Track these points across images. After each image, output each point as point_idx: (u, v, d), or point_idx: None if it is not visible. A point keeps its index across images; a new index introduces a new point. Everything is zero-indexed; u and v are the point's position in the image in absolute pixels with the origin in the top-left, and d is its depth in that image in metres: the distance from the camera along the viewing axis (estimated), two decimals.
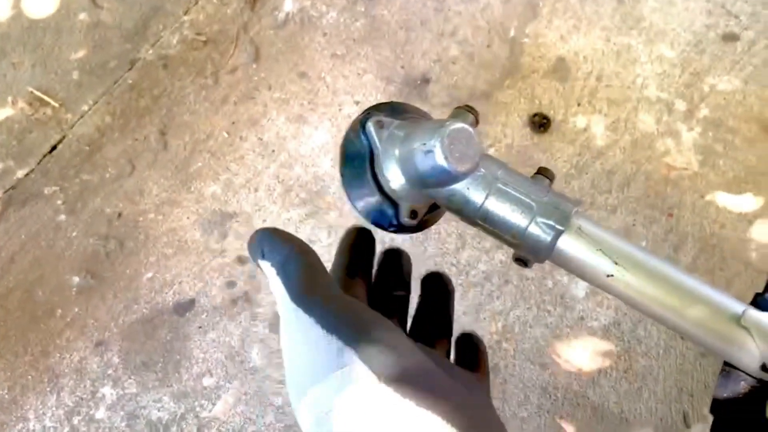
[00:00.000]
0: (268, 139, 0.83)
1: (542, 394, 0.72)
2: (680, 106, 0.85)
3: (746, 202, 0.80)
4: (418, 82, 0.86)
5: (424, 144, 0.52)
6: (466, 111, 0.59)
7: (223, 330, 0.73)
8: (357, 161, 0.57)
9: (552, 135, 0.84)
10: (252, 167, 0.81)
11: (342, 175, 0.60)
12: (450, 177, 0.51)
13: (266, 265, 0.32)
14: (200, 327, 0.73)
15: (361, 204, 0.59)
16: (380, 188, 0.56)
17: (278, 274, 0.31)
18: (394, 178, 0.56)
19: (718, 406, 0.51)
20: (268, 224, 0.78)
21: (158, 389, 0.70)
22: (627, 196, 0.80)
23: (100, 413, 0.69)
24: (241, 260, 0.76)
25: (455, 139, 0.52)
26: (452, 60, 0.87)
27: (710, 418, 0.41)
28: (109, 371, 0.71)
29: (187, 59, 0.86)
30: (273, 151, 0.82)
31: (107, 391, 0.70)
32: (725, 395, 0.52)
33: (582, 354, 0.72)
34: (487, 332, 0.73)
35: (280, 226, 0.72)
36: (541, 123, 0.84)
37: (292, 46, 0.88)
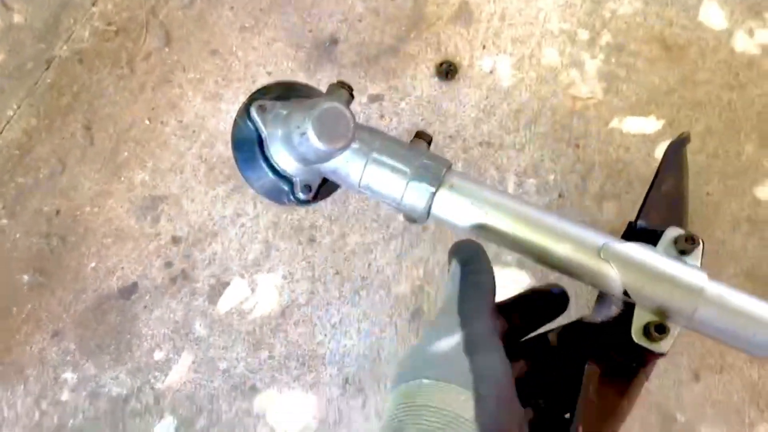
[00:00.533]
0: (188, 120, 0.87)
1: None
2: (583, 35, 0.87)
3: (649, 124, 0.84)
4: (327, 44, 0.89)
5: (298, 126, 0.58)
6: (339, 87, 0.63)
7: (167, 307, 0.80)
8: (247, 146, 0.63)
9: (459, 81, 0.87)
10: (176, 150, 0.85)
11: (236, 160, 0.65)
12: (327, 154, 0.57)
13: (456, 264, 0.41)
14: (145, 307, 0.80)
15: (257, 185, 0.65)
16: (273, 168, 0.62)
17: (462, 273, 0.40)
18: (283, 158, 0.61)
19: (595, 329, 0.58)
20: (196, 204, 0.83)
21: (114, 368, 0.78)
22: (534, 132, 0.84)
23: (65, 396, 0.77)
24: (175, 240, 0.82)
25: (326, 118, 0.57)
26: (358, 18, 0.90)
27: None
28: (68, 357, 0.78)
29: (101, 51, 0.89)
30: (194, 131, 0.86)
31: (68, 376, 0.77)
32: (599, 320, 0.58)
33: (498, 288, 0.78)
34: (409, 279, 0.79)
35: (208, 204, 0.78)
36: (448, 71, 0.87)
37: (202, 25, 0.91)
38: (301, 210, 0.83)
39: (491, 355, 0.34)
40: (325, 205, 0.83)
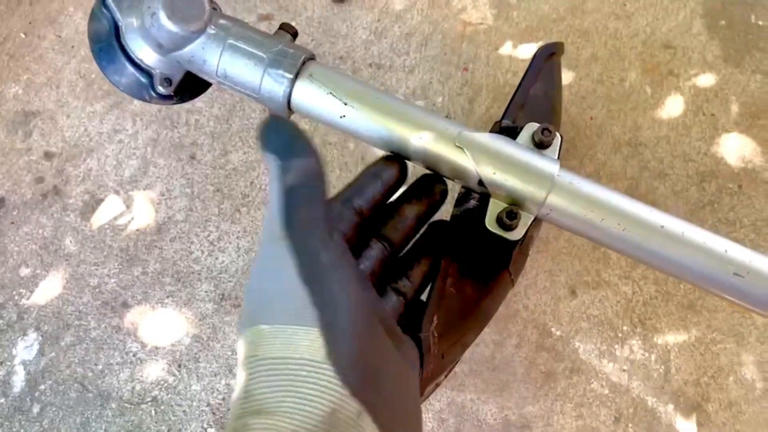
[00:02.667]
0: (67, 35, 0.85)
1: None
2: None
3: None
4: None
5: (149, 7, 0.56)
6: None
7: (36, 223, 0.78)
8: (104, 37, 0.61)
9: (352, 4, 0.88)
10: (52, 65, 0.84)
11: (93, 53, 0.63)
12: (180, 38, 0.56)
13: (274, 165, 0.32)
14: (12, 223, 0.78)
15: (116, 78, 0.63)
16: (132, 61, 0.60)
17: (280, 180, 0.31)
18: (140, 48, 0.60)
19: (454, 222, 0.59)
20: (72, 119, 0.82)
21: None
22: (424, 55, 0.86)
23: None
24: (47, 156, 0.80)
25: None
26: None
27: None
28: None
29: None
30: (73, 47, 0.85)
31: None
32: (458, 213, 0.59)
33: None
34: None
35: (85, 120, 0.76)
36: None
37: None
38: (182, 127, 0.83)
39: (333, 276, 0.29)
40: (207, 122, 0.83)
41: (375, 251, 0.44)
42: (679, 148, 0.85)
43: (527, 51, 0.87)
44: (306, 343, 0.26)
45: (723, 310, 0.79)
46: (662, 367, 0.78)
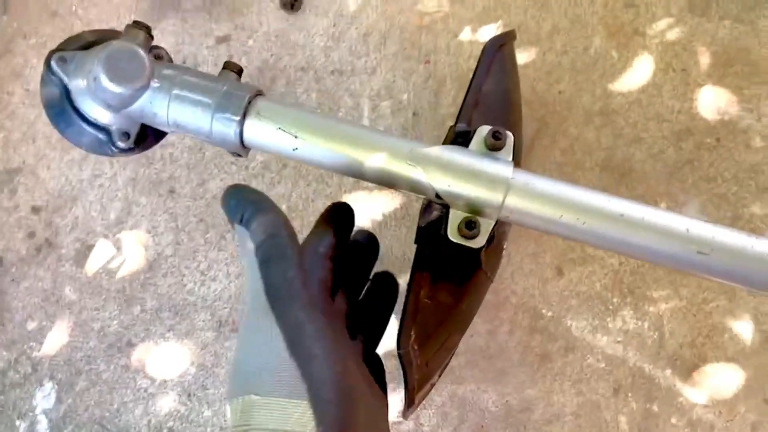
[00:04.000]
0: (35, 87, 0.88)
1: None
2: None
3: (498, 31, 0.86)
4: None
5: (90, 71, 0.59)
6: (133, 28, 0.65)
7: (34, 277, 0.82)
8: (57, 101, 0.64)
9: (306, 12, 0.88)
10: (25, 120, 0.87)
11: (49, 118, 0.66)
12: (126, 96, 0.59)
13: (244, 236, 0.35)
14: (13, 280, 0.82)
15: (76, 139, 0.66)
16: (87, 120, 0.63)
17: (257, 253, 0.34)
18: (92, 108, 0.63)
19: (419, 234, 0.61)
20: (53, 171, 0.85)
21: None
22: (384, 54, 0.87)
23: None
24: (35, 210, 0.84)
25: (116, 59, 0.58)
26: None
27: None
28: None
29: None
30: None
31: None
32: (423, 224, 0.62)
33: (362, 213, 0.81)
34: None
35: (65, 169, 0.80)
36: (293, 2, 0.89)
37: None
38: (158, 163, 0.85)
39: (317, 347, 0.31)
40: (181, 154, 0.85)
41: (340, 303, 0.49)
42: (651, 110, 0.85)
43: (487, 33, 0.87)
44: (297, 415, 0.29)
45: None
46: (656, 333, 0.79)
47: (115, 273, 0.85)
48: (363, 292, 0.54)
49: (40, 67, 0.90)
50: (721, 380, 0.78)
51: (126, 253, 0.85)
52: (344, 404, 0.30)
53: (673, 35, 0.87)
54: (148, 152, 0.87)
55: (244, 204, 0.37)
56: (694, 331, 0.80)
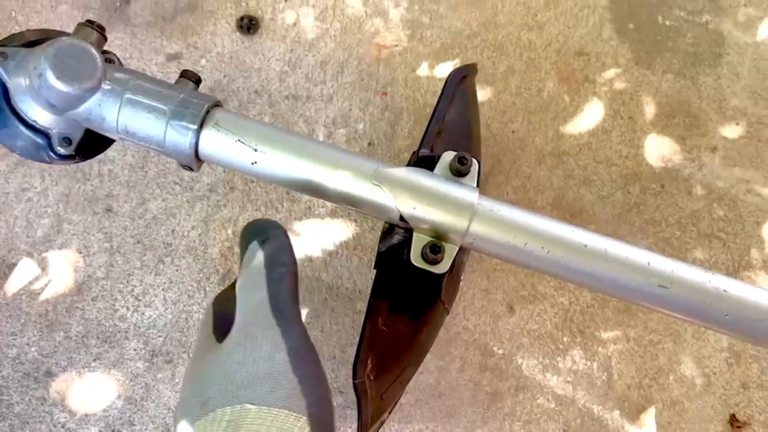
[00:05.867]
0: None
1: None
2: None
3: (454, 68, 0.87)
4: (118, 3, 0.87)
5: (35, 68, 0.54)
6: (85, 27, 0.60)
7: None
8: None
9: (262, 35, 0.87)
10: None
11: None
12: (73, 97, 0.54)
13: (257, 253, 0.38)
14: None
15: (10, 142, 0.60)
16: (24, 122, 0.58)
17: (267, 272, 0.37)
18: (32, 109, 0.58)
19: (379, 259, 0.58)
20: None
21: None
22: (341, 83, 0.86)
23: None
24: None
25: (65, 56, 0.54)
26: None
27: None
28: None
29: None
30: None
31: None
32: (384, 249, 0.59)
33: (312, 241, 0.79)
34: (218, 241, 0.78)
35: None
36: (249, 25, 0.87)
37: None
38: (95, 179, 0.81)
39: (316, 369, 0.33)
40: (122, 171, 0.81)
41: None
42: (601, 154, 0.87)
43: (444, 70, 0.89)
44: (296, 429, 0.29)
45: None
46: (605, 373, 0.80)
47: (37, 295, 0.78)
48: None
49: None
50: (666, 422, 0.79)
51: (52, 273, 0.79)
52: (332, 428, 0.31)
53: (620, 84, 0.91)
54: (84, 167, 0.83)
55: (262, 229, 0.40)
56: (641, 372, 0.80)
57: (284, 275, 0.37)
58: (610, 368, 0.80)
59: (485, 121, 0.87)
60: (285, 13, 0.90)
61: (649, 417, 0.79)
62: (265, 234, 0.39)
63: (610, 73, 0.91)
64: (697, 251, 0.84)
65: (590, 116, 0.89)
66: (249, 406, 0.29)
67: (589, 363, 0.80)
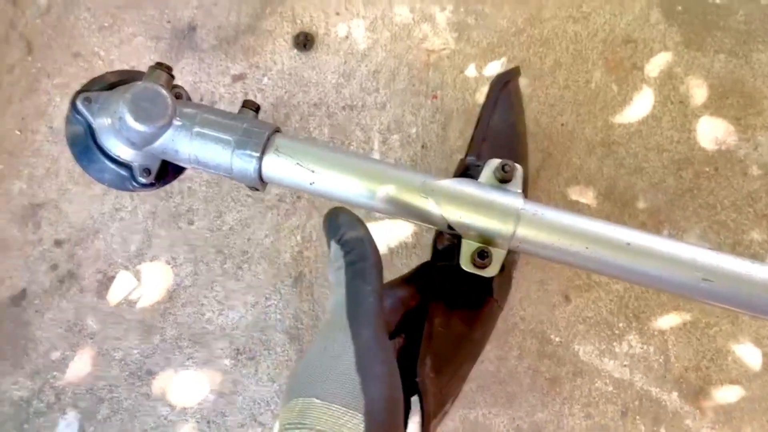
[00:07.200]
0: (58, 125, 0.93)
1: None
2: None
3: (502, 67, 0.91)
4: (186, 32, 0.95)
5: (115, 111, 0.63)
6: (156, 69, 0.69)
7: (58, 308, 0.86)
8: (81, 139, 0.68)
9: (318, 50, 0.93)
10: (49, 156, 0.91)
11: (73, 155, 0.70)
12: (149, 135, 0.63)
13: (338, 253, 0.41)
14: (37, 311, 0.86)
15: (98, 176, 0.70)
16: (109, 157, 0.67)
17: (347, 272, 0.39)
18: (115, 145, 0.67)
19: (432, 263, 0.65)
20: (75, 205, 0.89)
21: (13, 373, 0.84)
22: (394, 90, 0.91)
23: None
24: (57, 243, 0.88)
25: (140, 100, 0.63)
26: (213, 2, 0.95)
27: None
28: None
29: None
30: (64, 135, 0.92)
31: None
32: (437, 254, 0.65)
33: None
34: (288, 247, 0.86)
35: (87, 203, 0.84)
36: (305, 41, 0.94)
37: (61, 30, 0.96)
38: (177, 196, 0.89)
39: (384, 369, 0.35)
40: (199, 188, 0.89)
41: (395, 343, 0.56)
42: (652, 141, 0.89)
43: (492, 69, 0.92)
44: (350, 425, 0.32)
45: None
46: (662, 357, 0.82)
47: (135, 303, 0.88)
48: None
49: (64, 106, 0.95)
50: (725, 403, 0.81)
51: (146, 283, 0.89)
52: (395, 426, 0.34)
53: (670, 69, 0.92)
54: (167, 186, 0.91)
55: (341, 224, 0.42)
56: (699, 354, 0.83)
57: (363, 270, 0.38)
58: (666, 351, 0.83)
59: (534, 116, 0.89)
60: (337, 27, 0.95)
61: (708, 398, 0.81)
62: (341, 228, 0.41)
63: (659, 58, 0.92)
64: (754, 232, 0.85)
65: (639, 104, 0.90)
66: (315, 400, 0.32)
67: (645, 347, 0.83)
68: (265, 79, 0.94)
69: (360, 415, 0.32)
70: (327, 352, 0.35)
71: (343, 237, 0.40)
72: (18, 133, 0.94)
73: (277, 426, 0.34)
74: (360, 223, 0.42)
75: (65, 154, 0.93)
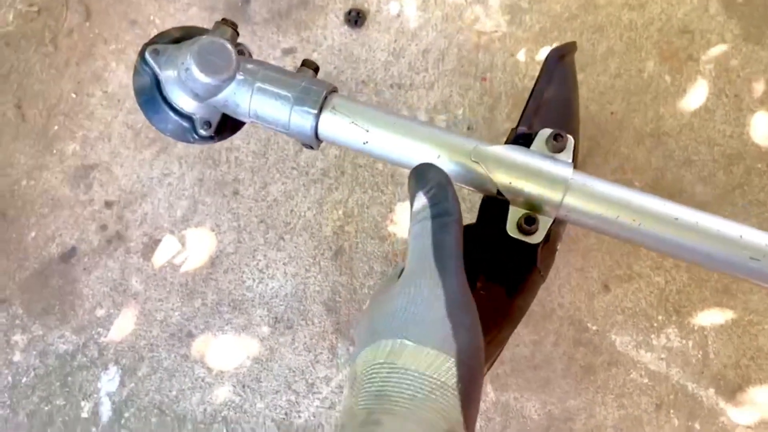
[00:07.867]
0: (113, 90, 0.95)
1: (384, 262, 0.86)
2: None
3: None
4: (240, 3, 0.96)
5: (183, 63, 0.65)
6: (222, 25, 0.71)
7: (104, 267, 0.88)
8: (147, 90, 0.70)
9: (369, 28, 0.94)
10: (103, 120, 0.94)
11: (139, 105, 0.72)
12: (213, 87, 0.65)
13: (425, 205, 0.41)
14: (84, 269, 0.88)
15: (161, 126, 0.72)
16: (173, 109, 0.69)
17: (433, 222, 0.40)
18: (179, 97, 0.69)
19: (478, 229, 0.65)
20: (126, 168, 0.91)
21: (60, 328, 0.87)
22: (442, 70, 0.91)
23: (17, 357, 0.86)
24: (107, 204, 0.90)
25: (207, 52, 0.64)
26: None
27: None
28: (17, 321, 0.87)
29: (26, 32, 0.97)
30: (119, 100, 0.94)
31: (18, 338, 0.87)
32: (482, 220, 0.65)
33: None
34: (330, 220, 0.87)
35: (137, 167, 0.86)
36: (356, 18, 0.94)
37: None
38: (224, 165, 0.91)
39: (470, 318, 0.36)
40: (246, 158, 0.91)
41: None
42: (703, 134, 0.87)
43: (543, 53, 0.91)
44: (444, 368, 0.33)
45: (758, 291, 0.82)
46: (700, 352, 0.81)
47: (179, 267, 0.90)
48: None
49: (120, 71, 0.97)
50: (764, 402, 0.80)
51: (190, 248, 0.91)
52: (479, 373, 0.35)
53: (727, 62, 0.90)
54: (214, 155, 0.93)
55: (431, 178, 0.43)
56: (739, 352, 0.81)
57: (448, 224, 0.39)
58: (706, 347, 0.82)
59: (583, 102, 0.89)
60: (389, 5, 0.95)
61: (747, 396, 0.80)
62: (430, 182, 0.42)
63: (716, 50, 0.90)
64: None
65: (693, 96, 0.88)
66: (407, 342, 0.33)
67: (684, 341, 0.82)
68: (315, 54, 0.95)
69: (452, 359, 0.33)
70: (414, 298, 0.36)
71: (432, 190, 0.41)
72: (74, 96, 0.97)
73: (360, 365, 0.35)
74: (448, 181, 0.43)
75: (118, 119, 0.95)
